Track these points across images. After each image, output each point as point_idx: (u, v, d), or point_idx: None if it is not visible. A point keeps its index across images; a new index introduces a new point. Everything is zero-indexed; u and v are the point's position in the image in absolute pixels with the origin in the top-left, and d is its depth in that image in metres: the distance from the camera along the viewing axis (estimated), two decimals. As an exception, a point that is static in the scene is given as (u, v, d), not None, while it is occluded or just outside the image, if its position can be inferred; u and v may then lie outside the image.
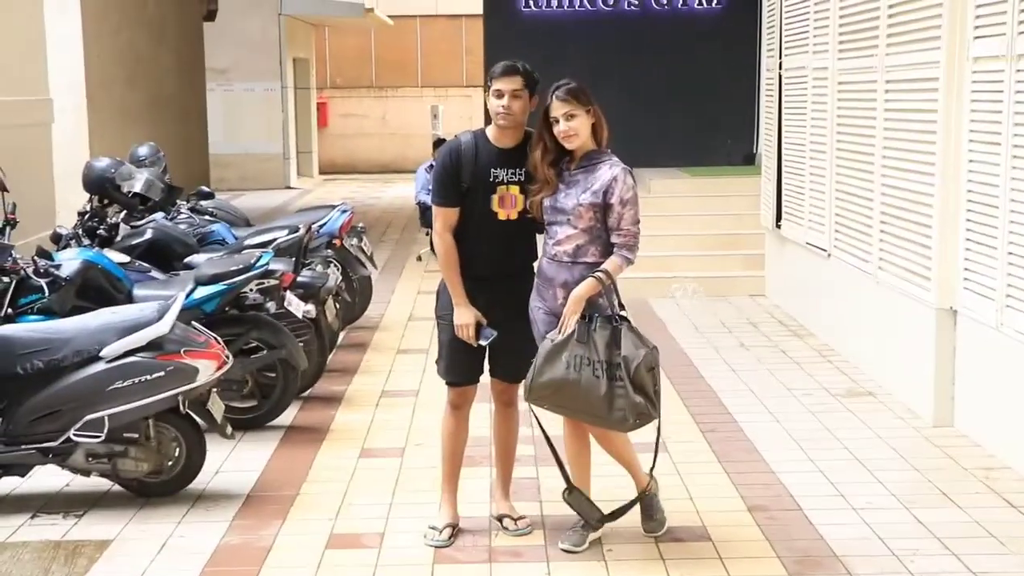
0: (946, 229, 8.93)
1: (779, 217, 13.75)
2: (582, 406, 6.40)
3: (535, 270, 6.79)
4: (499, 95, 6.41)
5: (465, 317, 6.59)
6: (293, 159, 31.85)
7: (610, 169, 6.43)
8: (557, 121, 6.33)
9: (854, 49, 11.10)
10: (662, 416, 6.62)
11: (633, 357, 6.31)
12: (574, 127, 6.31)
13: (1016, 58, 7.90)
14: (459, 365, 6.86)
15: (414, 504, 7.65)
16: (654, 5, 18.46)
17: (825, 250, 11.97)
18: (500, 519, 7.09)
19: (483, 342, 6.66)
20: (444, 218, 6.69)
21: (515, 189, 6.56)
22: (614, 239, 6.45)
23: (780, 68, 13.66)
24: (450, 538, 6.84)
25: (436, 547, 6.79)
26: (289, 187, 30.59)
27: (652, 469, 6.86)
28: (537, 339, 6.62)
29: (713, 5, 18.15)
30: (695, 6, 18.34)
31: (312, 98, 35.87)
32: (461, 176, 6.58)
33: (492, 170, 6.54)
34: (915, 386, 9.46)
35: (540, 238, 6.88)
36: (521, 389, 6.84)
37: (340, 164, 37.30)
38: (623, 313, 6.56)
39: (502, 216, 6.58)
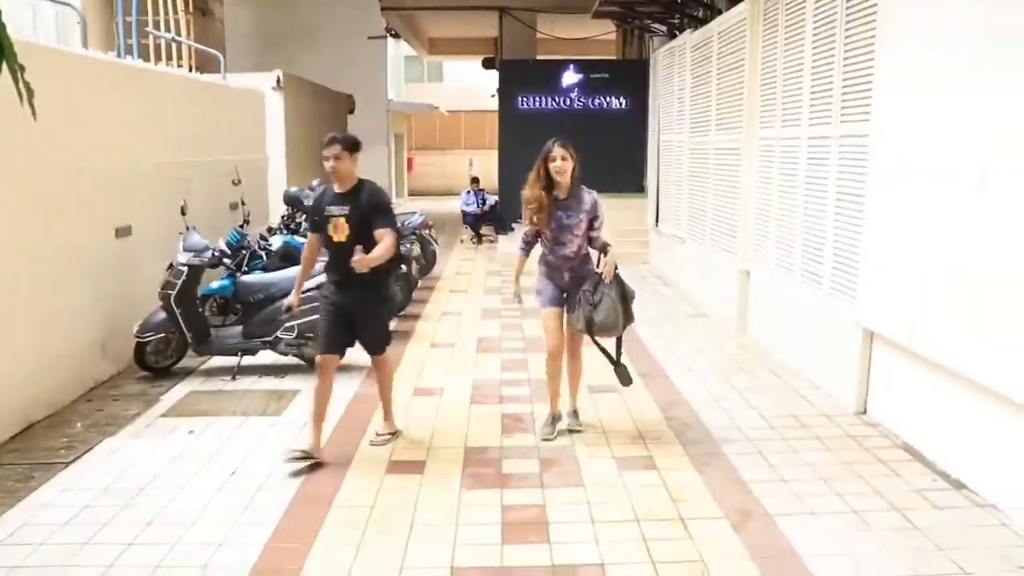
0: (748, 228, 9.11)
1: (657, 220, 13.78)
2: (611, 325, 5.70)
3: (542, 264, 5.97)
4: (326, 159, 5.49)
5: (288, 300, 6.10)
6: (393, 187, 31.85)
7: (589, 195, 5.80)
8: (555, 159, 5.64)
9: (698, 131, 11.10)
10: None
11: (632, 292, 5.86)
12: (566, 167, 5.65)
13: (781, 139, 8.06)
14: (326, 339, 5.73)
15: (460, 373, 7.66)
16: (590, 105, 18.57)
17: (682, 238, 12.05)
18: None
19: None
20: (309, 239, 5.90)
21: (342, 220, 5.51)
22: (594, 233, 5.84)
23: (659, 140, 13.69)
24: (301, 457, 5.50)
25: (291, 460, 5.48)
26: (392, 202, 30.51)
27: (618, 360, 5.99)
28: (543, 302, 5.90)
29: (623, 106, 18.28)
30: (613, 107, 18.48)
31: (404, 154, 35.83)
32: (318, 211, 5.68)
33: (328, 207, 5.58)
34: (728, 308, 9.63)
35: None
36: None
37: (419, 190, 37.32)
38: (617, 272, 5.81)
39: (336, 239, 5.54)
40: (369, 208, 5.54)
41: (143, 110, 8.50)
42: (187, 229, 7.75)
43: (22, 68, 1.49)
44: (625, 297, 5.79)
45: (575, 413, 6.21)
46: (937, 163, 5.28)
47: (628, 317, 5.85)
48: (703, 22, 11.76)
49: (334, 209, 5.57)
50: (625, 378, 6.01)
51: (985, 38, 4.76)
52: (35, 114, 1.63)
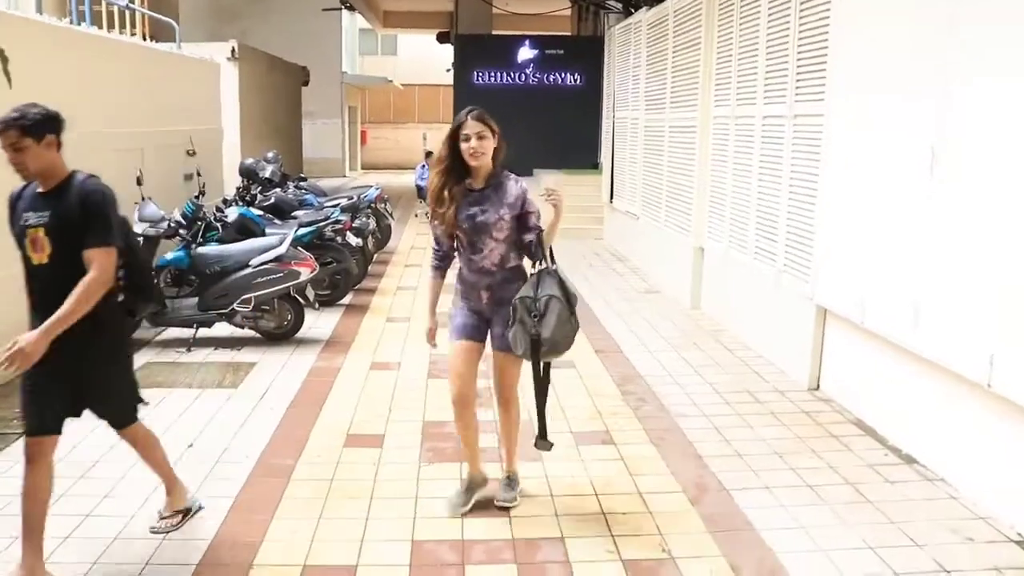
0: (701, 210, 9.11)
1: (611, 196, 13.79)
2: (565, 341, 4.08)
3: (457, 281, 4.37)
4: (4, 149, 3.57)
5: None
6: (347, 160, 31.49)
7: (517, 184, 4.17)
8: (468, 139, 4.04)
9: (653, 109, 11.09)
10: None
11: (575, 296, 4.22)
12: (484, 146, 4.05)
13: (735, 118, 8.08)
14: (33, 414, 3.69)
15: (417, 348, 7.51)
16: (545, 81, 18.48)
17: (636, 215, 12.06)
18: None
19: None
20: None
21: (40, 232, 3.59)
22: (528, 236, 4.17)
23: (614, 117, 13.70)
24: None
25: None
26: (345, 176, 30.09)
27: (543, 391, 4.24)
28: (452, 331, 4.37)
29: (578, 83, 18.19)
30: (567, 83, 18.38)
31: (358, 128, 35.43)
32: (14, 220, 3.72)
33: (25, 214, 3.64)
34: (682, 284, 9.64)
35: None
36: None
37: (372, 163, 37.00)
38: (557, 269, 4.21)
39: (35, 260, 3.63)
40: (79, 214, 3.58)
41: (96, 77, 8.23)
42: (143, 199, 7.55)
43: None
44: (569, 301, 4.14)
45: (510, 480, 4.55)
46: (887, 145, 5.30)
47: (575, 329, 4.18)
48: (659, 1, 11.72)
49: (31, 216, 3.63)
50: (545, 443, 4.32)
51: (934, 29, 4.77)
52: (10, 81, 1.51)
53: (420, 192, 18.09)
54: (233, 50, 14.68)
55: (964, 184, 4.56)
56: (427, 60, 35.66)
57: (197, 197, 8.70)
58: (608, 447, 5.30)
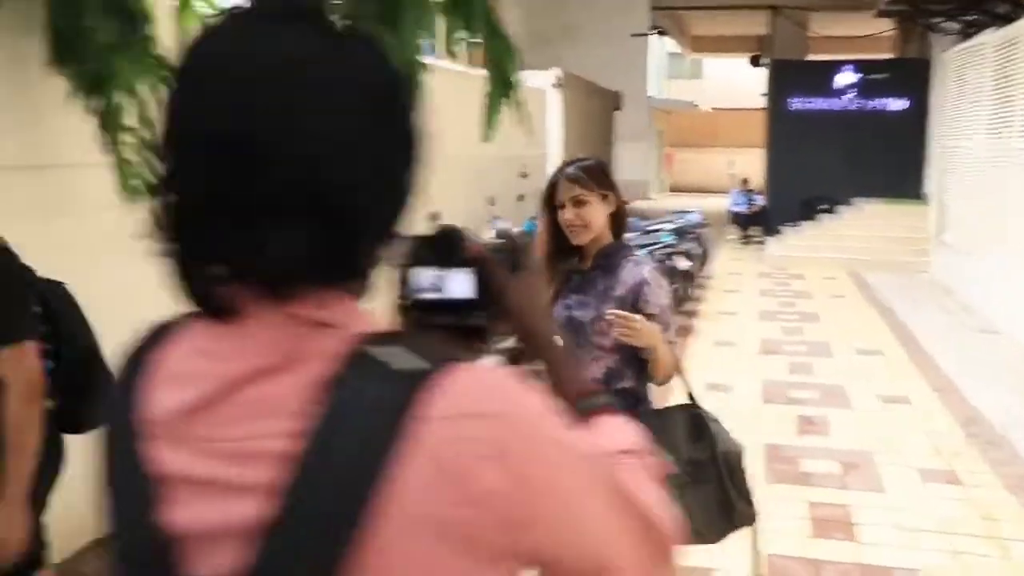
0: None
1: (940, 229, 13.14)
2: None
3: None
4: None
5: None
6: (652, 183, 32.05)
7: (636, 267, 2.76)
8: (562, 206, 2.73)
9: (997, 136, 10.47)
10: None
11: (734, 449, 2.76)
12: (586, 216, 2.71)
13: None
14: None
15: (747, 370, 7.63)
16: (865, 106, 17.83)
17: (970, 250, 11.35)
18: None
19: None
20: None
21: None
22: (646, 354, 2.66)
23: (945, 145, 13.05)
24: None
25: None
26: (648, 198, 30.64)
27: None
28: None
29: (902, 108, 17.35)
30: (890, 108, 17.62)
31: (662, 151, 35.92)
32: None
33: None
34: None
35: None
36: None
37: (678, 186, 37.41)
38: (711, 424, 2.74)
39: None
40: None
41: (456, 107, 9.15)
42: (495, 218, 8.31)
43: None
44: (721, 479, 2.70)
45: None
46: None
47: (730, 518, 2.77)
48: (1006, 20, 11.11)
49: None
50: None
51: None
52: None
53: (736, 218, 18.32)
54: (558, 77, 15.56)
55: None
56: (732, 83, 35.54)
57: (534, 218, 9.36)
58: (955, 487, 5.20)
